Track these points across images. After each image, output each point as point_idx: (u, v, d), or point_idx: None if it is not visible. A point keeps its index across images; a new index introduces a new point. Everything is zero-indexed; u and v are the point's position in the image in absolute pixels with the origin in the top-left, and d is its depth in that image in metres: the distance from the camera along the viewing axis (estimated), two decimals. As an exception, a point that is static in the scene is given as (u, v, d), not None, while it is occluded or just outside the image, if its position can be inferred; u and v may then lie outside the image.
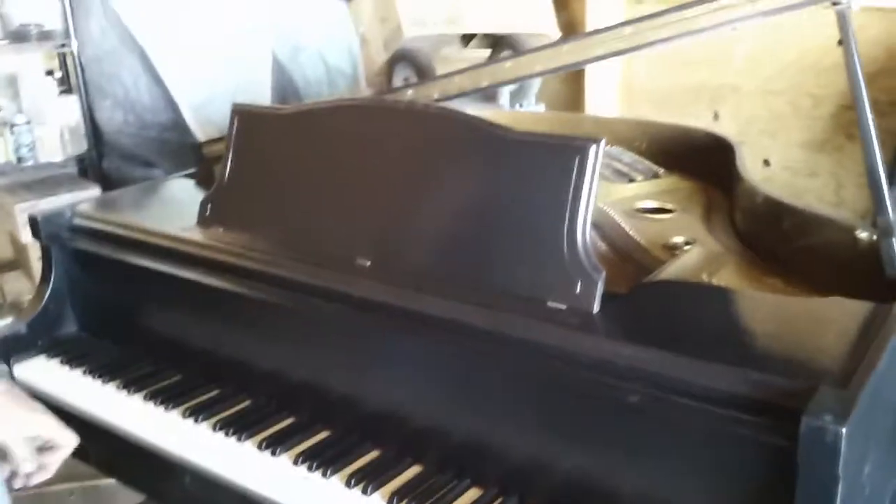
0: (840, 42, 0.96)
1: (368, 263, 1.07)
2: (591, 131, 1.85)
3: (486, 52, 2.62)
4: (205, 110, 2.24)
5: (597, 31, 1.06)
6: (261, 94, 2.38)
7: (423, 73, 2.28)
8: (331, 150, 1.14)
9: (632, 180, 1.64)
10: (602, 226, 1.40)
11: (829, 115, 1.91)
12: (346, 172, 1.12)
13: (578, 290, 0.93)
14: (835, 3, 0.94)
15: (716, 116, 2.19)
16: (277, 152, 1.19)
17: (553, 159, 0.96)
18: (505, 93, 2.44)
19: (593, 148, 0.95)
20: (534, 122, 2.02)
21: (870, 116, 0.96)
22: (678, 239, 1.34)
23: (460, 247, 0.99)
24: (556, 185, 0.95)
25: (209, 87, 2.25)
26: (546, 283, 0.95)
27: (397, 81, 2.39)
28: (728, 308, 0.95)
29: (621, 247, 1.33)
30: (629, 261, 1.28)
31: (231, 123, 1.24)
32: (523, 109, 2.49)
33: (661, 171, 1.67)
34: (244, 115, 1.22)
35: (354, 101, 1.16)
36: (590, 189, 0.95)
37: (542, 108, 2.54)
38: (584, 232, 0.96)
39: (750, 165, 2.10)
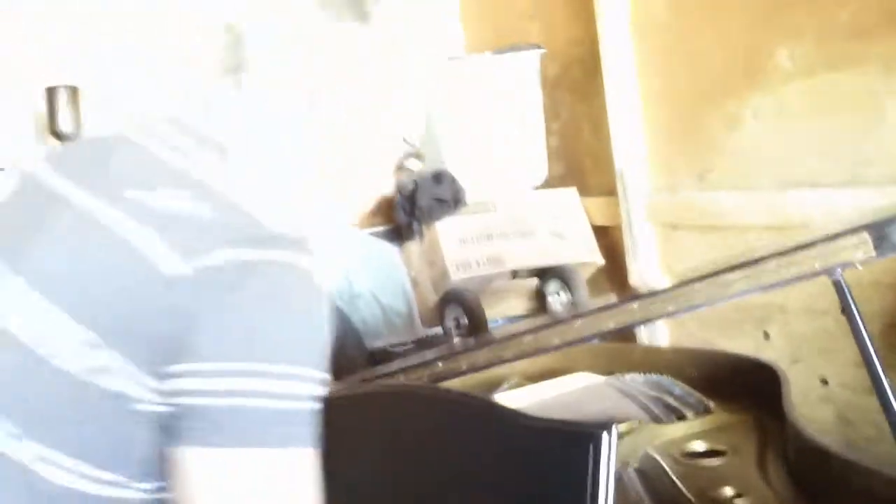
0: (843, 310, 0.98)
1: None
2: (641, 361, 1.89)
3: (534, 281, 2.71)
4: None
5: (604, 308, 1.11)
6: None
7: (471, 312, 2.36)
8: (361, 434, 1.18)
9: (682, 417, 1.62)
10: (649, 476, 1.38)
11: (876, 333, 1.88)
12: (375, 456, 1.15)
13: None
14: (829, 275, 0.97)
15: (766, 336, 2.17)
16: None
17: (566, 447, 0.97)
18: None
19: (605, 436, 0.97)
20: (584, 353, 2.05)
21: (887, 384, 0.95)
22: (728, 491, 1.30)
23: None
24: (571, 475, 0.96)
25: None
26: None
27: (448, 321, 2.48)
28: None
29: (667, 501, 1.30)
30: (677, 520, 1.25)
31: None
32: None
33: (712, 404, 1.64)
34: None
35: (377, 388, 1.21)
36: (607, 478, 0.95)
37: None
38: (608, 523, 0.94)
39: (806, 385, 2.06)
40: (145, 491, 0.76)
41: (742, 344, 2.20)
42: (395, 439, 1.11)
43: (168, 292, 0.72)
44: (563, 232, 2.60)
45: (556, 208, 2.65)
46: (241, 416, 0.70)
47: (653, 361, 1.88)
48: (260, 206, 0.79)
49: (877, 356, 0.98)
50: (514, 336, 1.22)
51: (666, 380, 1.78)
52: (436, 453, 1.08)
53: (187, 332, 0.71)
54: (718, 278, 1.00)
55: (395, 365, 1.39)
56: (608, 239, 2.66)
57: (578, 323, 1.14)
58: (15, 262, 0.80)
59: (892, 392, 0.97)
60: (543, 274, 2.68)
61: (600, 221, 2.67)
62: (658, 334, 2.45)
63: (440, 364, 1.32)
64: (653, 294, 1.06)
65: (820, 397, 2.04)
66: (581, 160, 2.81)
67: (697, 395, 1.69)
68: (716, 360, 1.83)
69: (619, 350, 2.06)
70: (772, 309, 2.14)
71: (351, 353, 2.55)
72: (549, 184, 2.81)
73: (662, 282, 2.47)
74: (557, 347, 1.16)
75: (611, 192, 2.57)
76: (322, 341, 0.77)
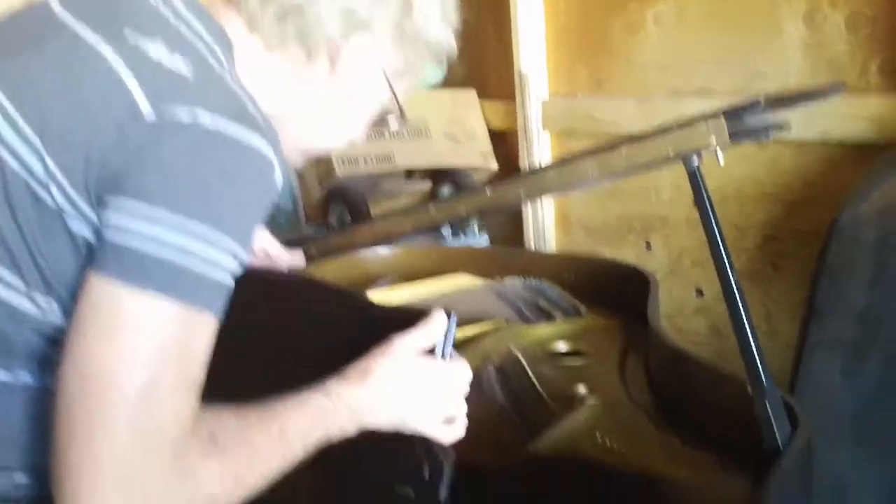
0: (695, 202, 0.93)
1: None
2: (524, 266, 1.86)
3: (427, 185, 2.63)
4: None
5: (457, 194, 1.04)
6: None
7: (356, 209, 2.28)
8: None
9: (551, 319, 1.60)
10: (508, 373, 1.36)
11: (754, 246, 1.89)
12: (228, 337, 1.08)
13: (427, 474, 0.87)
14: (686, 164, 0.92)
15: (648, 247, 2.17)
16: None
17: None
18: (446, 224, 2.44)
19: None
20: (468, 256, 2.01)
21: (734, 281, 0.92)
22: (581, 390, 1.29)
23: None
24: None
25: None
26: (395, 468, 0.89)
27: (332, 218, 2.38)
28: (590, 491, 0.89)
29: (521, 398, 1.28)
30: (525, 416, 1.23)
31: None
32: (466, 241, 2.48)
33: (583, 308, 1.63)
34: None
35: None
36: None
37: (485, 238, 2.53)
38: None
39: (683, 296, 2.08)
40: (40, 308, 0.78)
41: (625, 254, 2.20)
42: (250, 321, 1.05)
43: (133, 128, 0.74)
44: (458, 135, 2.52)
45: (453, 110, 2.55)
46: (166, 266, 0.71)
47: (535, 266, 1.86)
48: (241, 85, 0.82)
49: (725, 252, 0.94)
50: (363, 224, 1.15)
51: (543, 284, 1.78)
52: (287, 335, 1.03)
53: (138, 170, 0.73)
54: (571, 164, 0.94)
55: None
56: (505, 145, 2.59)
57: (433, 209, 1.07)
58: None
59: (738, 290, 0.94)
60: (437, 177, 2.60)
61: (498, 126, 2.60)
62: (545, 242, 2.43)
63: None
64: (506, 181, 1.00)
65: (695, 308, 2.06)
66: (483, 62, 2.70)
67: (570, 298, 1.68)
68: (594, 266, 1.83)
69: (503, 254, 2.04)
70: (654, 220, 2.13)
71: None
72: (448, 84, 2.70)
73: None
74: (408, 233, 1.09)
75: (511, 96, 2.49)
76: (255, 228, 0.79)
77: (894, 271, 1.40)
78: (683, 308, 2.09)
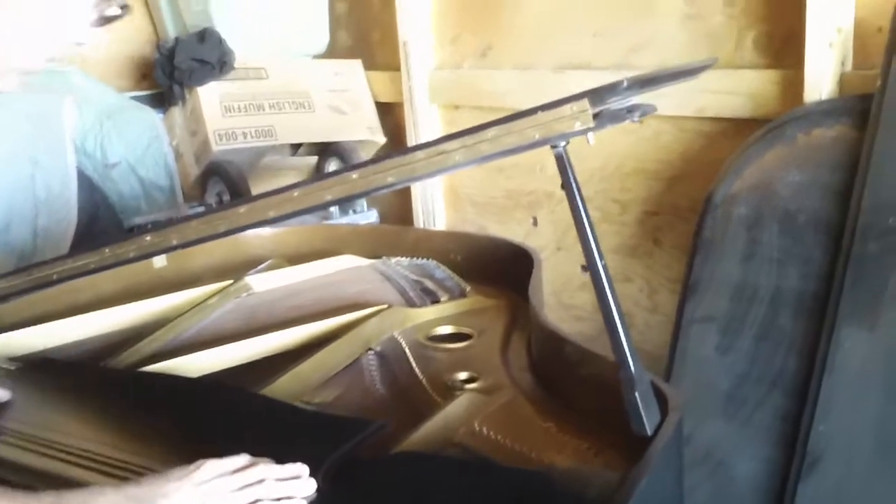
0: (562, 185, 0.90)
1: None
2: (413, 245, 1.83)
3: (314, 160, 2.55)
4: (2, 236, 2.07)
5: (323, 177, 0.98)
6: (67, 213, 2.22)
7: (235, 187, 2.18)
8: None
9: (436, 301, 1.57)
10: (389, 359, 1.33)
11: (634, 220, 1.91)
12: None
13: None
14: (553, 147, 0.89)
15: (535, 222, 2.16)
16: None
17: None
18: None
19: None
20: (357, 235, 1.96)
21: (601, 265, 0.90)
22: (462, 375, 1.27)
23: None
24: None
25: (6, 212, 2.08)
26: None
27: (210, 196, 2.28)
28: (454, 485, 0.85)
29: (402, 385, 1.25)
30: (405, 405, 1.19)
31: None
32: (355, 218, 2.42)
33: (468, 288, 1.61)
34: None
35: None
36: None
37: (374, 214, 2.47)
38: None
39: (569, 271, 2.09)
40: None
41: (513, 229, 2.19)
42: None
43: None
44: (343, 107, 2.44)
45: (338, 81, 2.47)
46: None
47: (423, 245, 1.83)
48: None
49: (593, 236, 0.92)
50: (225, 208, 1.07)
51: (430, 263, 1.76)
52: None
53: None
54: (438, 146, 0.90)
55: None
56: (393, 117, 2.52)
57: (296, 193, 1.00)
58: None
59: (606, 276, 0.92)
60: (322, 152, 2.52)
61: (385, 98, 2.53)
62: (434, 218, 2.40)
63: (148, 238, 1.14)
64: (374, 163, 0.94)
65: (581, 284, 2.07)
66: (368, 30, 2.62)
67: (457, 278, 1.66)
68: (480, 244, 1.82)
69: (391, 233, 2.00)
70: (541, 195, 2.12)
71: (104, 229, 2.30)
72: (331, 53, 2.61)
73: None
74: (274, 221, 1.02)
75: (397, 66, 2.42)
76: None
77: (767, 247, 1.43)
78: (569, 283, 2.09)
